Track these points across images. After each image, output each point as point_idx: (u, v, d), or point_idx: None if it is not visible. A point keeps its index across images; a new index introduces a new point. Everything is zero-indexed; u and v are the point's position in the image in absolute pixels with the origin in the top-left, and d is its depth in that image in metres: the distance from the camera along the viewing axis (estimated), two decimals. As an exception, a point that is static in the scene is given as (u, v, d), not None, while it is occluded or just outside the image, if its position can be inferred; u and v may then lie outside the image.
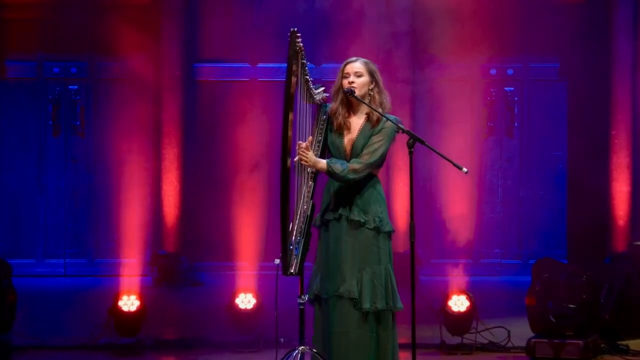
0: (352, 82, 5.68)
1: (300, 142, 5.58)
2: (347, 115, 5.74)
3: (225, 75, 12.16)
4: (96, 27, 11.56)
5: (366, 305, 5.59)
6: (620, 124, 11.29)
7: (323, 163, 5.62)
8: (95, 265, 12.05)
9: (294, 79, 5.49)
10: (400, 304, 5.68)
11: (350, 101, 5.74)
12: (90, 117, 12.13)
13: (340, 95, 5.71)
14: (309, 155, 5.58)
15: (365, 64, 5.73)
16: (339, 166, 5.61)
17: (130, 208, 10.58)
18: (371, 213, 5.66)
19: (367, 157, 5.64)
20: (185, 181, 11.76)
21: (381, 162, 5.73)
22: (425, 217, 11.60)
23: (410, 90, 11.26)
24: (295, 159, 5.59)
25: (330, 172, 5.62)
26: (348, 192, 5.69)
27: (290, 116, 5.47)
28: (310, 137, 5.66)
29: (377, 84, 5.73)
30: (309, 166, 5.63)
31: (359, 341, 5.59)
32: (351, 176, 5.61)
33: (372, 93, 5.72)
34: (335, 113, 5.73)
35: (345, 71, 5.71)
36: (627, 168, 11.31)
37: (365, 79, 5.70)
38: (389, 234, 5.72)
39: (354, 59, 5.75)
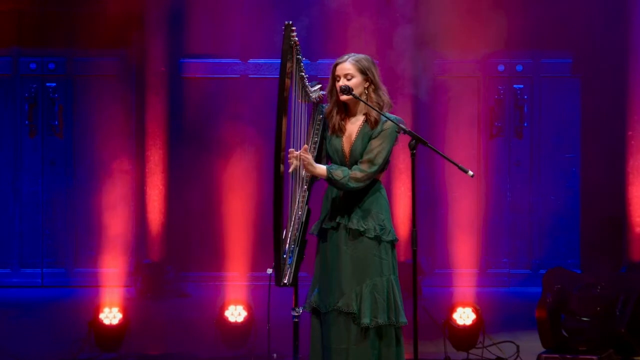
0: None
1: (292, 149, 5.58)
2: (343, 116, 5.71)
3: (213, 72, 12.17)
4: (75, 20, 11.58)
5: (366, 320, 5.57)
6: (638, 124, 11.30)
7: (323, 169, 5.61)
8: (74, 275, 12.04)
9: (288, 76, 5.49)
10: (403, 319, 5.66)
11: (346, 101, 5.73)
12: (70, 116, 12.13)
13: (334, 97, 5.69)
14: (309, 158, 5.58)
15: (356, 62, 5.66)
16: (339, 173, 5.59)
17: (112, 214, 10.59)
18: (372, 221, 5.64)
19: (368, 166, 5.60)
20: (171, 185, 11.76)
21: (384, 166, 5.71)
22: (428, 223, 11.62)
23: (412, 88, 11.27)
24: (290, 170, 5.58)
25: (330, 179, 5.61)
26: (348, 199, 5.68)
27: (285, 116, 5.46)
28: (306, 146, 5.62)
29: (372, 82, 5.68)
30: (308, 171, 5.64)
31: (359, 359, 5.59)
32: (352, 184, 5.59)
33: (367, 92, 5.68)
34: (330, 115, 5.72)
35: (336, 73, 5.67)
36: (645, 171, 11.33)
37: (356, 80, 5.64)
38: (392, 243, 5.70)
39: (344, 57, 5.69)
